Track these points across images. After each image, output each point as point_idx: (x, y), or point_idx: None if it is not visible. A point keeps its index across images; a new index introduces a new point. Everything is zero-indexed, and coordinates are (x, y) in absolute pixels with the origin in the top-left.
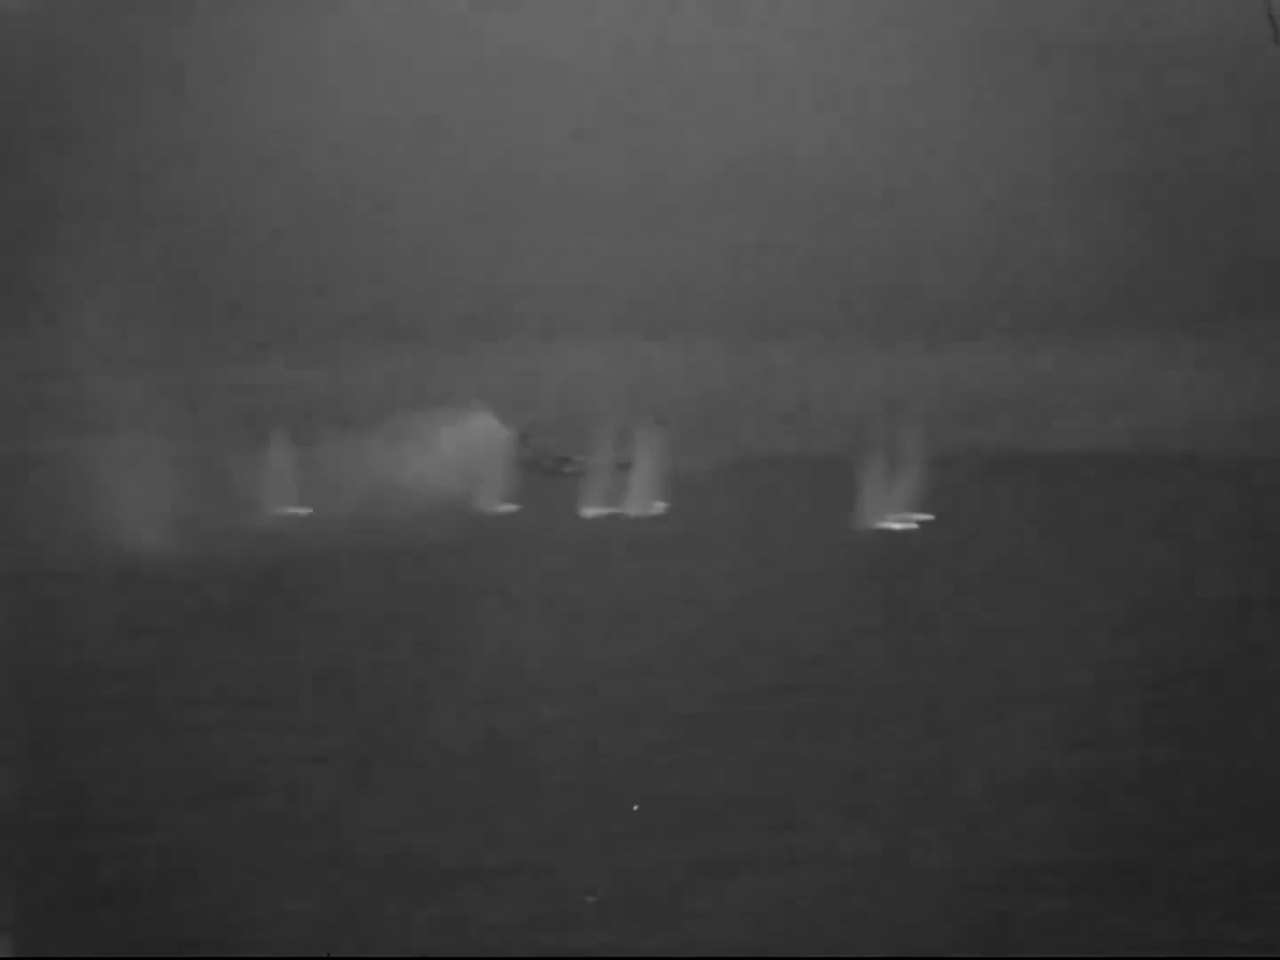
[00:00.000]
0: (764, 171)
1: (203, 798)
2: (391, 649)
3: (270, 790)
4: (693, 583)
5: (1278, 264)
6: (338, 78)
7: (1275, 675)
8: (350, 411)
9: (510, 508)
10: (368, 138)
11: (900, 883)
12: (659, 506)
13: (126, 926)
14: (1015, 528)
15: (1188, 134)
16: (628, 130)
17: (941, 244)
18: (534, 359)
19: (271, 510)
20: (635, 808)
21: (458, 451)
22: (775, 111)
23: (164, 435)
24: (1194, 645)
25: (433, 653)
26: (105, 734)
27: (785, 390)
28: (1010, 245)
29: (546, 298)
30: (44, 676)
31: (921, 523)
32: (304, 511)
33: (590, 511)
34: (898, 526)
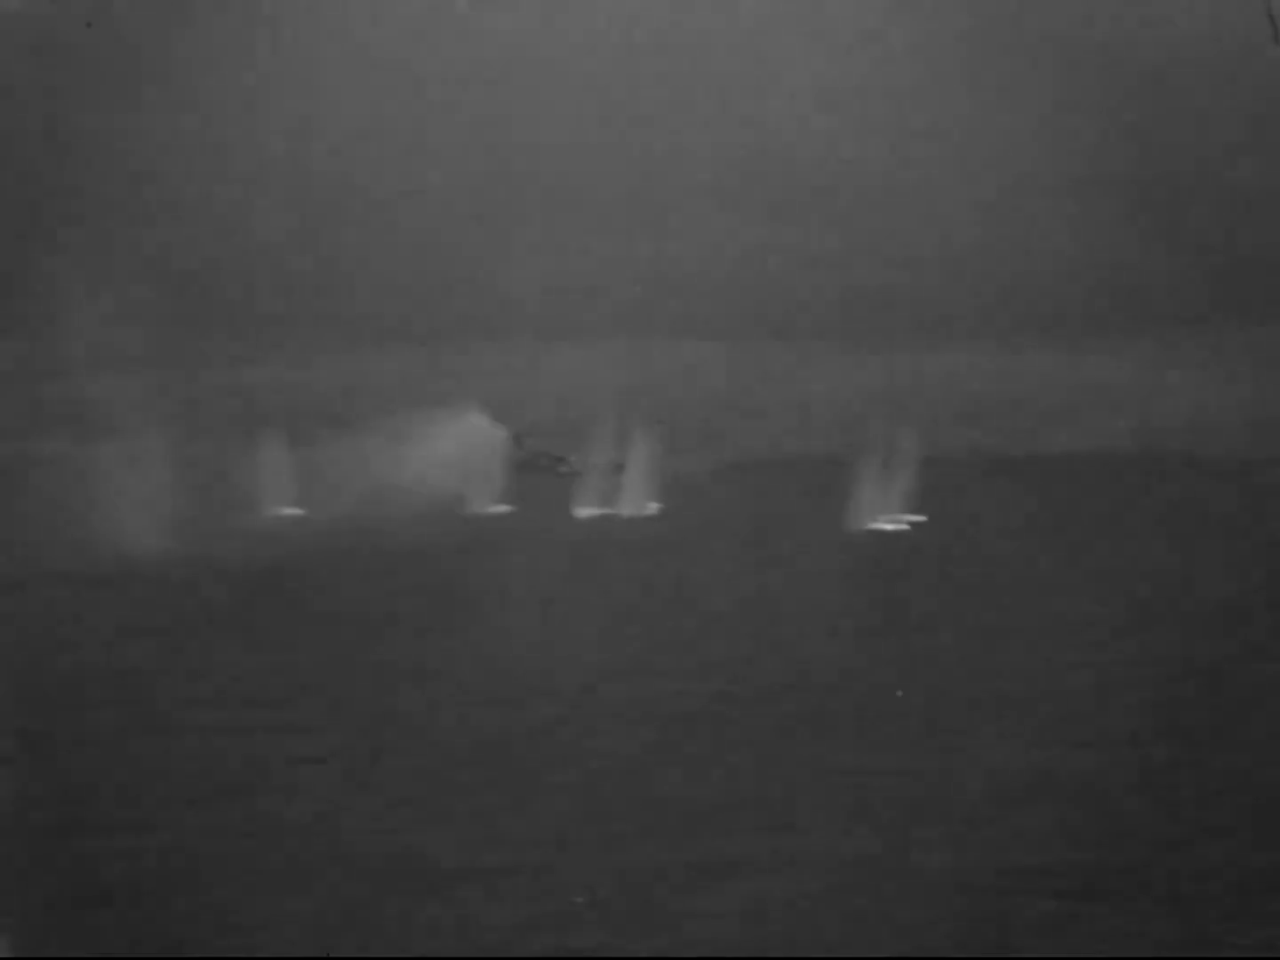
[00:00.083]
0: (764, 171)
1: (203, 798)
2: (390, 649)
3: (270, 790)
4: (689, 583)
5: (1277, 264)
6: (338, 78)
7: (1275, 675)
8: (348, 412)
9: (504, 508)
10: (368, 138)
11: (900, 883)
12: (653, 507)
13: (126, 926)
14: (1015, 527)
15: (1188, 134)
16: (628, 130)
17: (941, 244)
18: (532, 359)
19: (269, 510)
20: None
21: (453, 452)
22: (775, 111)
23: (163, 436)
24: (1194, 645)
25: (430, 653)
26: (105, 734)
27: (783, 391)
28: (1010, 245)
29: (546, 298)
30: (43, 676)
31: (919, 523)
32: (301, 512)
33: (584, 512)
34: (895, 527)
